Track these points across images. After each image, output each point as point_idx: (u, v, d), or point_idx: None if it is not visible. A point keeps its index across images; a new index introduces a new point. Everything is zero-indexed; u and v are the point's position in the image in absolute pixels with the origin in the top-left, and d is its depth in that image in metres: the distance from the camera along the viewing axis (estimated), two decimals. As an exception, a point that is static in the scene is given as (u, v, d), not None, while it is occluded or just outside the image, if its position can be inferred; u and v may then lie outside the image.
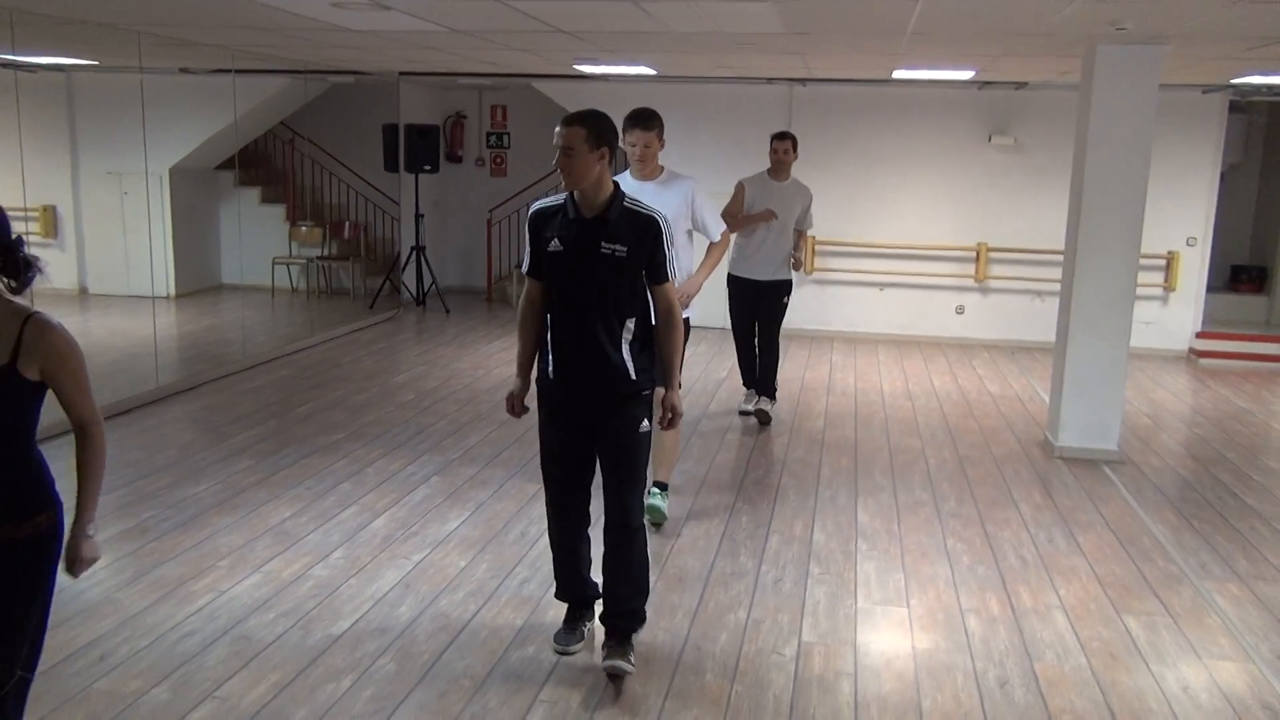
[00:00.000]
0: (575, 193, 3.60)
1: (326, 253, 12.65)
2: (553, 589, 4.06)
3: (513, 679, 3.66)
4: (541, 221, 3.68)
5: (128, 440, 6.42)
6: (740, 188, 7.02)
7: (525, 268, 3.75)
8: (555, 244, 3.62)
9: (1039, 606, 4.37)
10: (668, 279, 3.68)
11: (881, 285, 10.59)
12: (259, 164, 13.13)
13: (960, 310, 10.54)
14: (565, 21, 6.00)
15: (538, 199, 3.84)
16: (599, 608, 3.87)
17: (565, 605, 4.02)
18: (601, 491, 3.75)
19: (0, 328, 2.41)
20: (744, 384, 7.42)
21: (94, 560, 2.60)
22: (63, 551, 2.55)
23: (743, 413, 7.33)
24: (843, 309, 10.65)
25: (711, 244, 5.40)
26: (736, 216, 6.82)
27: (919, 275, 10.50)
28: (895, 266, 10.52)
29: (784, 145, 6.98)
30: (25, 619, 2.51)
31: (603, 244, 3.57)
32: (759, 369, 7.28)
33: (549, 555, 4.72)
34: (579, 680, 3.66)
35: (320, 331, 9.98)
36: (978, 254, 10.33)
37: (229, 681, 3.58)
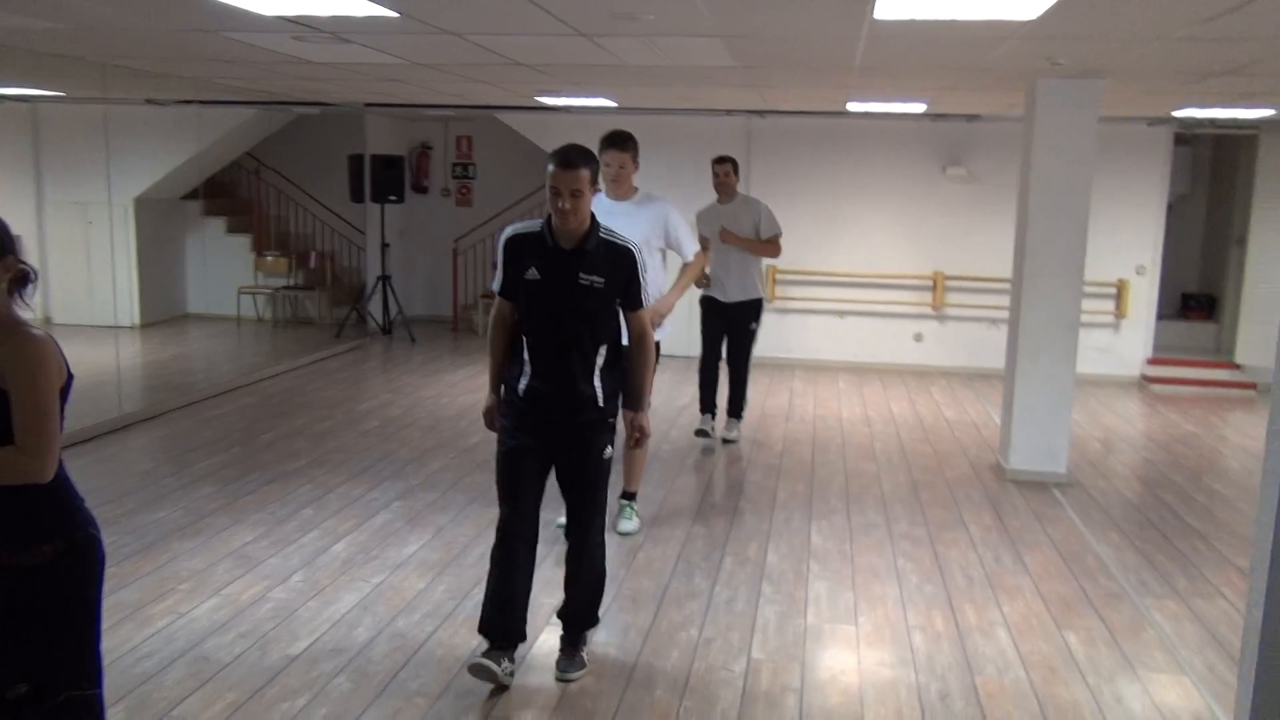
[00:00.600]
0: (554, 222, 3.66)
1: (292, 282, 12.71)
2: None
3: (466, 696, 3.73)
4: (518, 248, 3.74)
5: (90, 468, 6.44)
6: (701, 215, 7.23)
7: (497, 287, 3.83)
8: (533, 273, 3.70)
9: (982, 623, 4.50)
10: (641, 305, 3.87)
11: (841, 313, 10.78)
12: (225, 194, 13.20)
13: (919, 338, 10.73)
14: (523, 55, 6.15)
15: (509, 225, 3.91)
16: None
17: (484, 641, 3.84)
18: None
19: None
20: (701, 408, 7.52)
21: None
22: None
23: (698, 433, 7.43)
24: (804, 337, 10.82)
25: (685, 264, 5.56)
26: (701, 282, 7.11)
27: (878, 303, 10.70)
28: (855, 295, 10.71)
29: (724, 168, 7.22)
30: (52, 641, 2.50)
31: (580, 275, 3.69)
32: (730, 390, 7.46)
33: (506, 577, 4.83)
34: (530, 699, 3.74)
35: (286, 360, 10.01)
36: (935, 282, 10.55)
37: (185, 701, 3.63)
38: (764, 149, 10.63)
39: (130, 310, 11.67)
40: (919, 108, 9.12)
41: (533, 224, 3.77)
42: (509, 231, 3.80)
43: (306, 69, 7.11)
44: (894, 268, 10.63)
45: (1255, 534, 2.72)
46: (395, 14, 4.69)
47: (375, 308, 11.97)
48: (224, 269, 12.51)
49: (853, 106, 9.11)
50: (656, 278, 5.31)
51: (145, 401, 8.19)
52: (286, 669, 3.89)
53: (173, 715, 3.54)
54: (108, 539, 5.21)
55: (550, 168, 3.58)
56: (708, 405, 7.47)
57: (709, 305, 7.37)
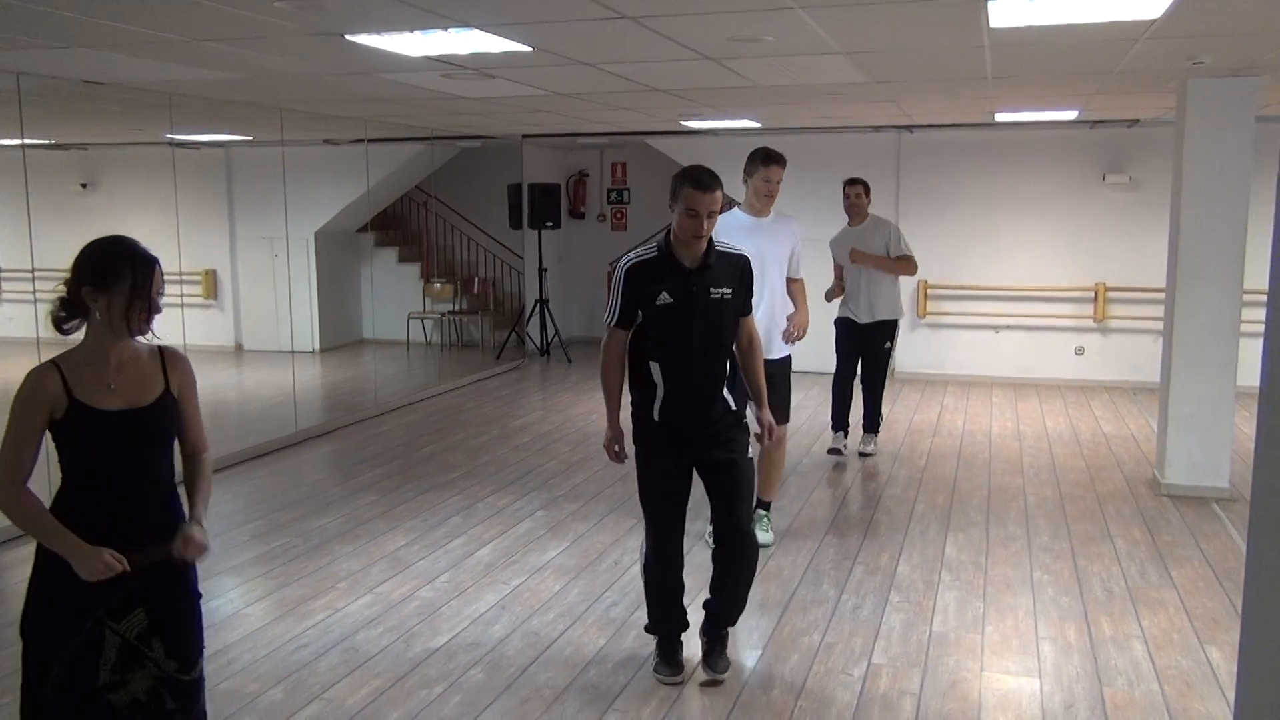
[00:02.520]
0: (672, 244, 3.80)
1: (457, 307, 13.35)
2: (638, 613, 4.31)
3: (589, 690, 3.92)
4: (642, 276, 3.79)
5: (266, 479, 7.01)
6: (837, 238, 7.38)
7: (615, 320, 3.87)
8: (664, 297, 3.77)
9: (1118, 636, 4.38)
10: (752, 310, 4.07)
11: (997, 328, 10.54)
12: (396, 225, 14.00)
13: (1080, 351, 10.38)
14: (657, 81, 6.37)
15: (625, 254, 3.95)
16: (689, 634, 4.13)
17: (654, 638, 4.12)
18: (710, 515, 4.11)
19: (146, 365, 2.76)
20: (833, 425, 7.52)
21: (205, 546, 2.76)
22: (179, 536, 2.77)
23: (831, 451, 7.44)
24: (955, 352, 10.63)
25: (797, 279, 5.63)
26: (831, 293, 7.46)
27: (1036, 316, 10.41)
28: (1011, 309, 10.46)
29: (855, 190, 7.28)
30: (195, 620, 2.87)
31: (711, 290, 3.83)
32: (865, 406, 7.49)
33: (638, 582, 5.00)
34: (650, 694, 3.90)
35: (448, 381, 10.55)
36: (1096, 294, 10.19)
37: (335, 685, 3.96)
38: (914, 164, 10.53)
39: (311, 336, 12.52)
40: (1071, 114, 8.88)
41: (647, 250, 3.86)
42: (629, 260, 3.84)
43: (462, 104, 7.56)
44: (1052, 280, 10.33)
45: (1248, 542, 2.62)
46: (528, 48, 4.99)
47: (534, 330, 12.43)
48: (395, 296, 13.25)
49: (1001, 117, 8.96)
50: (780, 293, 5.42)
51: (319, 419, 8.81)
52: (427, 660, 4.18)
53: (324, 697, 3.87)
54: (279, 540, 5.70)
55: (686, 189, 3.70)
56: (840, 423, 7.48)
57: (844, 325, 7.42)
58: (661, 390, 3.86)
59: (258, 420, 8.89)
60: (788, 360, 5.51)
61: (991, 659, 4.17)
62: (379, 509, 6.27)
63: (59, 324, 2.64)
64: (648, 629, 4.14)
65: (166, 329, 2.83)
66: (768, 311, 5.23)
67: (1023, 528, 5.83)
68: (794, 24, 4.41)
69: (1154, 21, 4.31)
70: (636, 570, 5.13)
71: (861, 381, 7.50)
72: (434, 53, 5.13)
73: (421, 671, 4.08)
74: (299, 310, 12.47)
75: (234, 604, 4.80)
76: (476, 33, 4.55)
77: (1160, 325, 9.89)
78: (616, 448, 4.04)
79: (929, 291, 10.51)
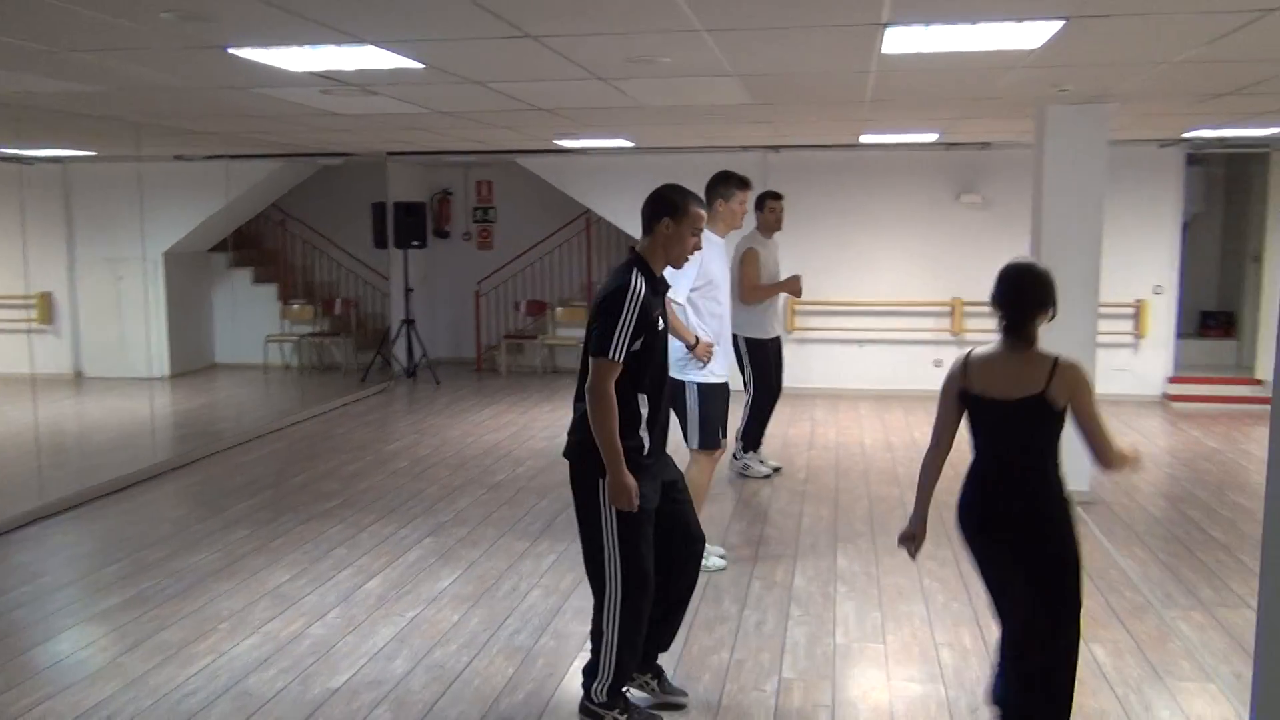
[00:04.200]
0: (661, 264, 3.69)
1: (318, 329, 12.93)
2: (544, 639, 4.20)
3: (504, 722, 3.82)
4: (648, 301, 3.56)
5: (123, 517, 6.60)
6: (754, 254, 7.06)
7: (619, 353, 3.46)
8: (659, 321, 3.64)
9: (1010, 639, 4.54)
10: None
11: (861, 342, 10.87)
12: (251, 245, 13.47)
13: (938, 363, 10.78)
14: (543, 101, 6.33)
15: (619, 279, 3.56)
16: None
17: (619, 692, 3.75)
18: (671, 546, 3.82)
19: (1034, 367, 3.24)
20: (754, 446, 7.44)
21: None
22: None
23: (764, 476, 7.41)
24: (824, 366, 10.91)
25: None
26: (758, 287, 7.08)
27: (897, 331, 10.79)
28: (874, 323, 10.81)
29: (780, 204, 7.29)
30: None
31: (662, 308, 3.75)
32: (758, 423, 7.47)
33: (540, 606, 4.94)
34: (568, 721, 3.82)
35: (313, 406, 10.18)
36: (953, 308, 10.63)
37: (232, 734, 3.74)
38: (780, 183, 10.73)
39: (160, 362, 11.91)
40: (931, 137, 9.25)
41: (632, 271, 3.59)
42: (641, 287, 3.54)
43: (332, 121, 7.33)
44: (912, 295, 10.73)
45: (1264, 534, 2.79)
46: (420, 65, 4.87)
47: (400, 351, 12.15)
48: (251, 318, 12.75)
49: (866, 138, 9.26)
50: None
51: (176, 450, 8.36)
52: (328, 701, 3.99)
53: (220, 747, 3.65)
54: (148, 582, 5.36)
55: (693, 208, 3.67)
56: (757, 443, 7.49)
57: (766, 347, 7.32)
58: (644, 419, 3.63)
59: (108, 453, 8.37)
60: None
61: (896, 668, 4.26)
62: (255, 543, 5.98)
63: None
64: (614, 690, 3.70)
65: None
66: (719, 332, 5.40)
67: (907, 537, 5.99)
68: (696, 46, 4.44)
69: (1033, 51, 4.53)
70: (535, 597, 5.05)
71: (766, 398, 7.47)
72: (319, 68, 4.96)
73: (324, 713, 3.90)
74: (148, 335, 11.86)
75: (107, 652, 4.47)
76: (370, 49, 4.41)
77: (1013, 338, 10.41)
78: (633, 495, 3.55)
79: (796, 307, 10.75)
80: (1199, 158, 10.65)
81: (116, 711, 3.91)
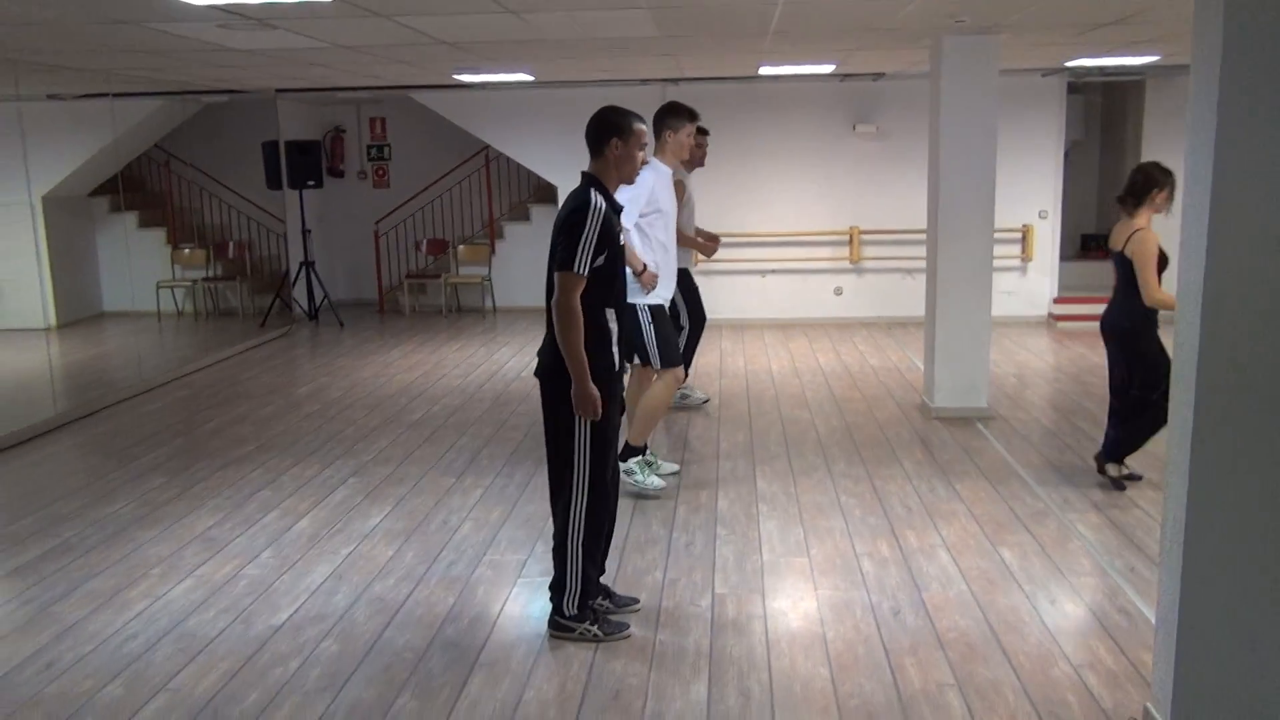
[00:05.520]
0: (603, 183, 3.82)
1: (212, 274, 12.58)
2: (481, 569, 4.30)
3: (452, 648, 3.92)
4: (610, 215, 3.75)
5: (29, 469, 6.43)
6: (682, 187, 6.60)
7: (584, 267, 3.63)
8: (622, 236, 3.88)
9: (924, 546, 4.83)
10: None
11: (764, 272, 11.10)
12: (134, 189, 12.96)
13: (839, 291, 11.11)
14: (448, 34, 6.25)
15: (580, 197, 3.73)
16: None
17: (585, 612, 3.97)
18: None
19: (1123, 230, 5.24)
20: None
21: None
22: None
23: (702, 402, 7.61)
24: (728, 297, 11.11)
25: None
26: (684, 236, 6.66)
27: (798, 260, 11.04)
28: (775, 254, 11.04)
29: (706, 139, 7.08)
30: None
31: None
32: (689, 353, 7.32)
33: (473, 538, 5.03)
34: (514, 644, 3.94)
35: (213, 352, 9.96)
36: (851, 237, 10.92)
37: (180, 674, 3.75)
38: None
39: (43, 311, 11.44)
40: (828, 69, 9.42)
41: (590, 191, 3.74)
42: (599, 201, 3.71)
43: (223, 56, 7.10)
44: (811, 225, 10.97)
45: (1170, 438, 3.05)
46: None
47: (300, 294, 11.92)
48: (140, 264, 12.32)
49: (765, 70, 9.37)
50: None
51: (74, 401, 8.11)
52: (273, 638, 4.03)
53: (169, 688, 3.66)
54: (70, 531, 5.27)
55: (636, 125, 3.87)
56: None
57: (689, 275, 7.25)
58: (612, 333, 3.83)
59: (3, 407, 8.09)
60: None
61: (821, 578, 4.50)
62: (174, 490, 5.90)
63: None
64: (582, 603, 3.93)
65: None
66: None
67: (820, 457, 6.26)
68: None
69: (936, -18, 4.68)
70: (468, 530, 5.14)
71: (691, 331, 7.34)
72: (223, 1, 4.81)
73: (270, 649, 3.94)
74: (25, 283, 11.37)
75: (36, 603, 4.41)
76: (280, -19, 4.31)
77: (908, 264, 10.79)
78: (600, 405, 3.72)
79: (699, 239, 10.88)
80: (1079, 86, 11.09)
81: (56, 659, 3.89)
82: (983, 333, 7.09)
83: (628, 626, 4.01)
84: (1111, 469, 5.60)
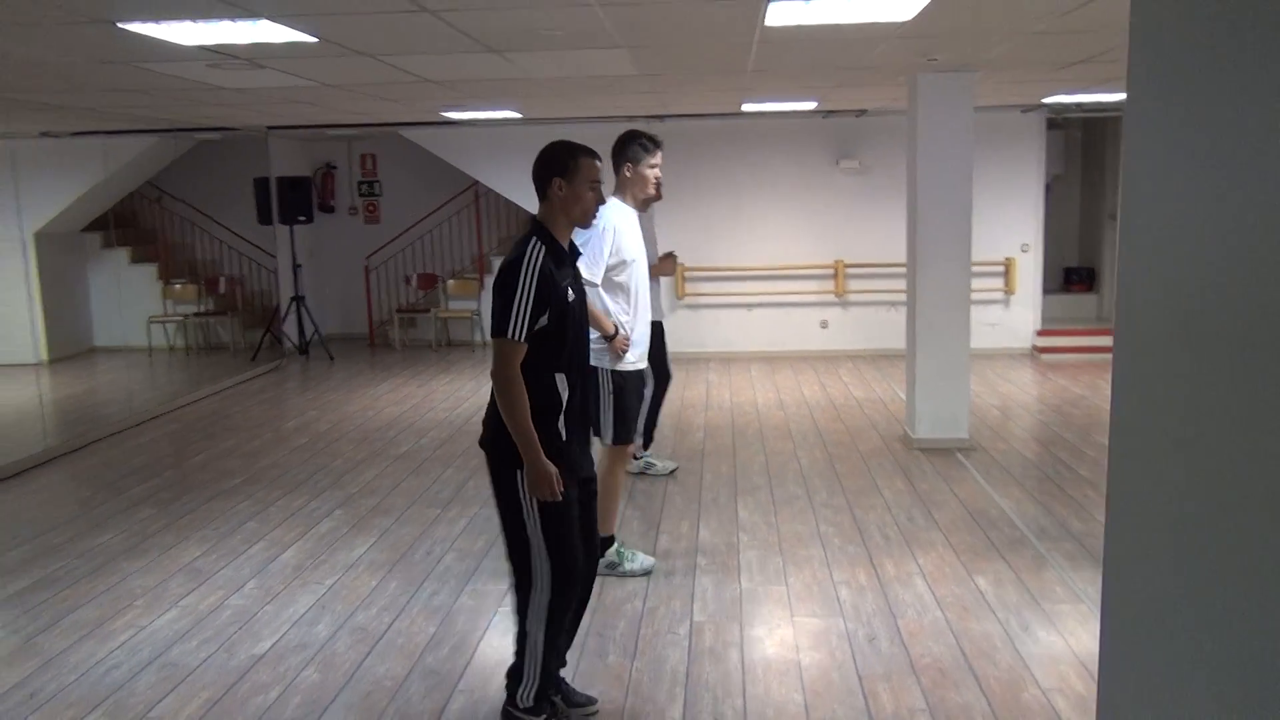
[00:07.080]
0: (549, 229, 3.35)
1: (203, 309, 12.66)
2: (463, 598, 4.34)
3: (431, 676, 3.97)
4: (550, 270, 3.23)
5: (19, 501, 6.48)
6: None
7: (520, 332, 3.15)
8: (570, 292, 3.31)
9: (901, 574, 4.89)
10: None
11: (750, 305, 11.21)
12: (127, 224, 13.08)
13: (824, 324, 11.22)
14: (433, 73, 6.38)
15: (518, 251, 3.24)
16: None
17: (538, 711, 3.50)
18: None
19: None
20: (647, 444, 6.69)
21: None
22: None
23: (669, 473, 6.72)
24: (715, 330, 11.22)
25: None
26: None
27: (784, 294, 11.16)
28: (761, 287, 11.15)
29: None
30: None
31: (575, 278, 3.42)
32: (653, 414, 6.55)
33: (457, 567, 5.08)
34: (493, 672, 3.99)
35: (204, 386, 10.02)
36: (836, 271, 11.05)
37: (161, 703, 3.80)
38: (666, 153, 10.96)
39: (34, 347, 11.51)
40: (810, 105, 9.58)
41: (530, 241, 3.28)
42: (539, 256, 3.22)
43: (214, 94, 7.22)
44: (797, 259, 11.10)
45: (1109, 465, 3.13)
46: (314, 39, 4.89)
47: (290, 329, 12.00)
48: (131, 300, 12.41)
49: (747, 107, 9.53)
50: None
51: (64, 435, 8.17)
52: (254, 667, 4.08)
53: (151, 716, 3.71)
54: (57, 564, 5.31)
55: (582, 160, 3.38)
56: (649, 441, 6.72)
57: (658, 329, 6.10)
58: (564, 401, 3.32)
59: (-5, 440, 8.14)
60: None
61: (798, 605, 4.56)
62: (162, 521, 5.95)
63: None
64: (540, 695, 3.47)
65: None
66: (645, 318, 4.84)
67: (802, 487, 6.33)
68: (588, 19, 4.58)
69: (905, 23, 4.82)
70: (451, 560, 5.19)
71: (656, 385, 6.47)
72: (210, 42, 4.93)
73: (251, 678, 3.99)
74: (17, 319, 11.45)
75: (21, 633, 4.46)
76: (265, 23, 4.42)
77: (892, 297, 10.91)
78: (559, 482, 3.24)
79: (686, 274, 11.02)
80: (1058, 122, 11.28)
81: (39, 689, 3.93)
82: (962, 364, 7.19)
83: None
84: None
